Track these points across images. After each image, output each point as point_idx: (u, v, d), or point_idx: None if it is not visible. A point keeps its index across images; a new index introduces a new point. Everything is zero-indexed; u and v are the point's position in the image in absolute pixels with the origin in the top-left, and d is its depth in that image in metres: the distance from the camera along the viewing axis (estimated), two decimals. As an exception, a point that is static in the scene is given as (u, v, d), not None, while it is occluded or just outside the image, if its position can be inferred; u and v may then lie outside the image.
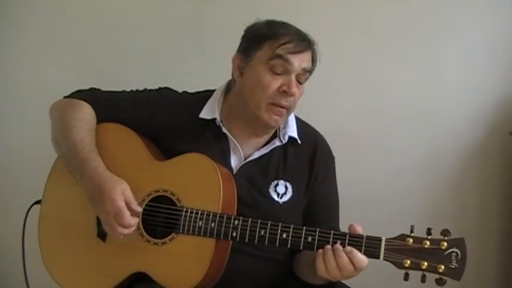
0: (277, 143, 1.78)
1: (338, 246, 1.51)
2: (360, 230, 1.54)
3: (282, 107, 1.70)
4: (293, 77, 1.69)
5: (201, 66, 2.34)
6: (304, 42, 1.71)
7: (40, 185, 1.80)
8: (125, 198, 1.62)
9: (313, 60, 1.75)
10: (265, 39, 1.70)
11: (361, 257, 1.49)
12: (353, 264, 1.49)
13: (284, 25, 1.74)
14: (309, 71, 1.74)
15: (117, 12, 2.45)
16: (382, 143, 2.39)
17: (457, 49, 2.38)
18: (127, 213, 1.60)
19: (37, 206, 1.80)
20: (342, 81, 2.40)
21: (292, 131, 1.80)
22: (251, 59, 1.72)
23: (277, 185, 1.75)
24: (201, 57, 2.38)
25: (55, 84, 2.08)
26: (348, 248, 1.50)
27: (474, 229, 2.38)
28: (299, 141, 1.80)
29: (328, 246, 1.52)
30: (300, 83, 1.73)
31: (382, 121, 2.39)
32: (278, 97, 1.69)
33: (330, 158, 1.86)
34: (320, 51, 1.76)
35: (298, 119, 1.85)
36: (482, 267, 2.37)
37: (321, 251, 1.52)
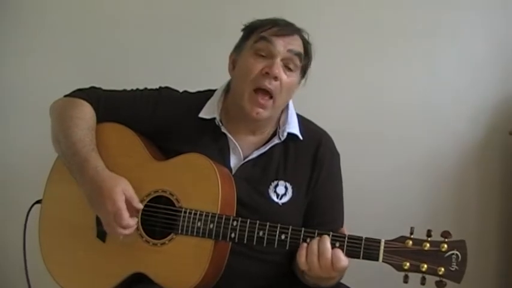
0: (276, 140, 1.76)
1: (326, 237, 1.52)
2: (345, 231, 1.55)
3: (266, 94, 1.67)
4: (278, 59, 1.67)
5: (202, 65, 2.35)
6: (290, 27, 1.71)
7: (41, 184, 1.80)
8: (126, 196, 1.61)
9: (306, 51, 1.74)
10: (253, 29, 1.72)
11: (342, 257, 1.50)
12: (332, 260, 1.50)
13: (275, 17, 1.74)
14: (298, 55, 1.70)
15: (117, 12, 2.46)
16: (382, 143, 2.40)
17: (456, 49, 2.39)
18: (126, 214, 1.60)
19: (38, 206, 1.80)
20: (341, 81, 2.40)
21: (293, 127, 1.78)
22: (241, 50, 1.73)
23: (277, 185, 1.74)
24: (201, 57, 2.38)
25: (55, 84, 2.09)
26: (336, 249, 1.51)
27: (474, 230, 2.38)
28: (301, 137, 1.78)
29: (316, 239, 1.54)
30: (289, 69, 1.70)
31: (382, 121, 2.40)
32: (261, 79, 1.66)
33: (334, 155, 1.84)
34: (318, 52, 1.76)
35: (300, 117, 1.83)
36: (482, 269, 2.37)
37: (305, 244, 1.54)
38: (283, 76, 1.67)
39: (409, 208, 2.36)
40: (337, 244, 1.51)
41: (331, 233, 1.53)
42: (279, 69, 1.66)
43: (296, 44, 1.70)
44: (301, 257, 1.53)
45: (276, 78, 1.66)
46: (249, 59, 1.69)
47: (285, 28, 1.69)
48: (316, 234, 1.54)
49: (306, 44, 1.74)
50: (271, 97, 1.68)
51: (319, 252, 1.51)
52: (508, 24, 2.36)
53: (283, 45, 1.67)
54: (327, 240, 1.52)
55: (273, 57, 1.67)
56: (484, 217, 2.39)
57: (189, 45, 2.41)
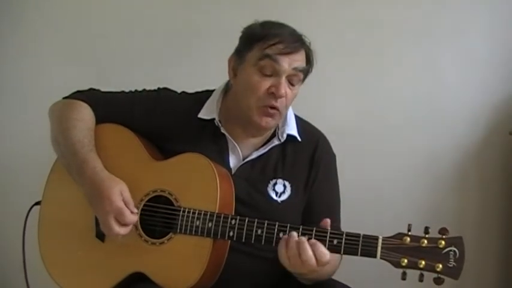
0: (275, 142, 1.77)
1: (302, 238, 1.50)
2: (328, 222, 1.54)
3: (273, 108, 1.68)
4: (283, 78, 1.66)
5: (200, 66, 2.35)
6: (295, 43, 1.68)
7: (40, 185, 1.81)
8: (123, 199, 1.62)
9: (309, 62, 1.73)
10: (256, 41, 1.68)
11: (324, 250, 1.49)
12: (314, 254, 1.48)
13: (279, 26, 1.72)
14: (302, 71, 1.70)
15: (117, 13, 2.46)
16: (382, 143, 2.39)
17: (457, 49, 2.38)
18: (127, 211, 1.61)
19: (37, 207, 1.81)
20: (341, 82, 2.40)
21: (291, 128, 1.78)
22: (243, 61, 1.71)
23: (275, 183, 1.75)
24: (200, 58, 2.39)
25: (55, 85, 2.10)
26: (313, 240, 1.50)
27: (473, 228, 2.38)
28: (299, 139, 1.79)
29: (294, 233, 1.52)
30: (292, 85, 1.70)
31: (382, 121, 2.40)
32: (267, 99, 1.67)
33: (331, 156, 1.85)
34: (318, 52, 1.74)
35: (298, 118, 1.84)
36: (480, 266, 2.37)
37: (285, 237, 1.52)
38: (288, 91, 1.68)
39: (409, 208, 2.35)
40: (335, 241, 1.51)
41: (328, 230, 1.52)
42: (285, 89, 1.67)
43: (300, 60, 1.69)
44: (284, 260, 1.52)
45: (281, 97, 1.67)
46: (254, 76, 1.67)
47: (290, 45, 1.66)
48: (314, 231, 1.53)
49: (308, 52, 1.73)
50: (277, 109, 1.70)
51: (300, 253, 1.48)
52: (508, 24, 2.36)
53: (289, 63, 1.66)
54: (306, 246, 1.48)
55: (278, 75, 1.66)
56: (484, 217, 2.39)
57: (188, 46, 2.42)
